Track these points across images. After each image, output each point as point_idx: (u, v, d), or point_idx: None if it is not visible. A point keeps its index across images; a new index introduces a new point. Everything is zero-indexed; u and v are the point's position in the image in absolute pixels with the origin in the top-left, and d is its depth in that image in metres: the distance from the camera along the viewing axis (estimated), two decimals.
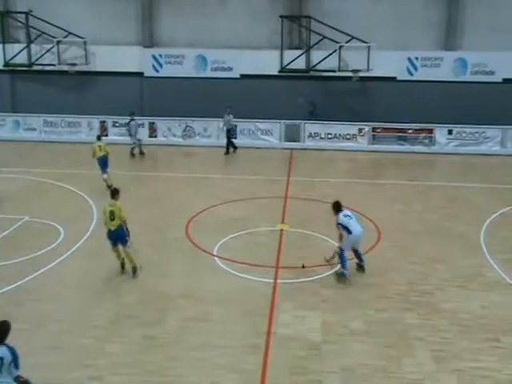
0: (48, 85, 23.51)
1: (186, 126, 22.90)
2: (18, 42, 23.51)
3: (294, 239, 13.12)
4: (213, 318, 9.59)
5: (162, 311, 9.82)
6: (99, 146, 16.47)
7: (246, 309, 9.87)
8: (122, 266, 11.35)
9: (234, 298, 10.27)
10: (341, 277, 10.95)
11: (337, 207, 10.78)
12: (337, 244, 11.04)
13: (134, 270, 11.18)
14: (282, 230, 13.55)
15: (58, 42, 22.68)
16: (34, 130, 23.12)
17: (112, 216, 10.86)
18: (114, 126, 23.03)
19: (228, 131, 21.53)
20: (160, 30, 23.31)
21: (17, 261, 11.77)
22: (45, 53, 23.01)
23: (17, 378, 6.83)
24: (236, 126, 22.14)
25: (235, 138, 22.17)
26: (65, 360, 8.43)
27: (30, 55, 23.26)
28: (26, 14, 22.93)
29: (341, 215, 10.65)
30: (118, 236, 10.95)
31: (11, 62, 23.27)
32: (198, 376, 8.02)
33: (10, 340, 8.75)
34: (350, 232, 10.54)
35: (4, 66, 23.28)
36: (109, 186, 15.23)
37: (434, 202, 16.14)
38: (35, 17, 22.90)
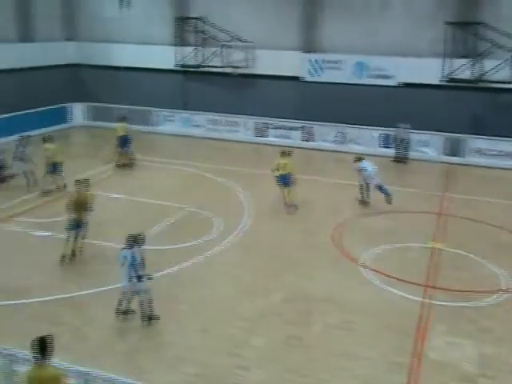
0: (213, 85, 25.16)
1: (339, 132, 22.97)
2: (190, 44, 25.49)
3: (447, 259, 12.51)
4: (356, 328, 9.60)
5: (307, 313, 10.08)
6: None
7: (390, 323, 9.71)
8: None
9: (378, 311, 10.16)
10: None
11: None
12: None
13: None
14: (434, 248, 13.01)
15: (224, 46, 24.14)
16: (200, 126, 25.00)
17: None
18: (271, 127, 23.92)
19: (401, 141, 21.37)
20: (320, 36, 23.60)
21: (179, 246, 12.92)
22: (212, 56, 24.63)
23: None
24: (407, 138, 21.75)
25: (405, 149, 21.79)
26: (213, 345, 9.09)
27: (200, 57, 25.08)
28: (199, 19, 24.78)
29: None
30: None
31: (183, 63, 25.33)
32: (337, 383, 8.12)
33: (173, 318, 9.72)
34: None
35: (177, 66, 25.38)
36: None
37: None
38: (207, 22, 24.65)
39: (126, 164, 19.34)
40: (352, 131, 22.76)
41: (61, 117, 25.37)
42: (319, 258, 12.52)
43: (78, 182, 12.45)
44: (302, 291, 10.90)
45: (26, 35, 24.50)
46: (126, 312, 9.81)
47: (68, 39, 26.82)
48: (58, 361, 7.03)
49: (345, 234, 13.80)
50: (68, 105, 25.93)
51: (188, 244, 13.06)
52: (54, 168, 16.33)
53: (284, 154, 15.56)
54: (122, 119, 19.93)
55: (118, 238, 13.03)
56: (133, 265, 9.45)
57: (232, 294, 10.81)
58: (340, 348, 8.96)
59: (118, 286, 9.91)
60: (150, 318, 9.66)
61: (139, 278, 9.45)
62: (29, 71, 24.06)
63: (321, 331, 9.47)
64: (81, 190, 12.26)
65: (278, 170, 15.21)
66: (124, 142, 19.39)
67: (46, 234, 13.40)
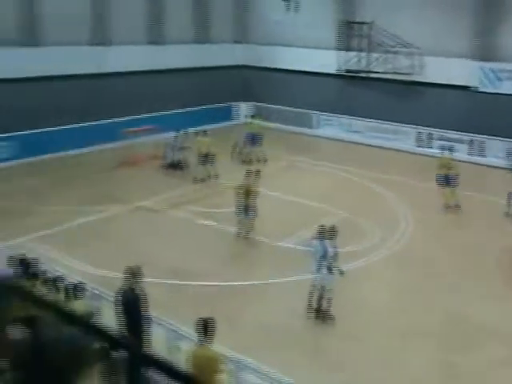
0: (377, 92, 24.60)
1: None
2: (356, 49, 25.18)
3: None
4: None
5: (467, 341, 9.41)
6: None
7: None
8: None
9: None
10: None
11: None
12: None
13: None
14: None
15: (391, 52, 23.43)
16: (360, 132, 24.64)
17: None
18: (435, 138, 22.70)
19: None
20: (496, 43, 21.77)
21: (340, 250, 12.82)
22: (378, 61, 24.07)
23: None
24: None
25: None
26: (366, 355, 8.85)
27: (363, 63, 24.69)
28: (367, 24, 24.37)
29: None
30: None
31: (347, 67, 25.12)
32: None
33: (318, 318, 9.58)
34: None
35: (340, 71, 25.26)
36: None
37: None
38: (373, 27, 24.15)
39: (247, 161, 19.67)
40: None
41: (227, 115, 26.85)
42: (483, 282, 11.55)
43: (249, 172, 13.70)
44: (462, 316, 10.16)
45: (200, 37, 26.32)
46: (318, 310, 9.91)
47: (236, 42, 28.25)
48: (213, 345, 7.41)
49: None
50: (234, 104, 27.32)
51: (340, 250, 12.88)
52: (205, 159, 17.79)
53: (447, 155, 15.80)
54: (257, 116, 20.61)
55: (272, 234, 13.49)
56: (324, 256, 9.57)
57: (386, 307, 10.46)
58: None
59: (274, 280, 10.16)
60: (325, 317, 9.70)
61: (330, 269, 9.51)
62: (201, 71, 25.87)
63: (483, 364, 8.70)
64: (251, 180, 13.52)
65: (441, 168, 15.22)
66: (253, 139, 20.02)
67: (208, 223, 14.22)
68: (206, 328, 6.69)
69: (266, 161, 19.80)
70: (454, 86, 22.43)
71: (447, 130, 22.30)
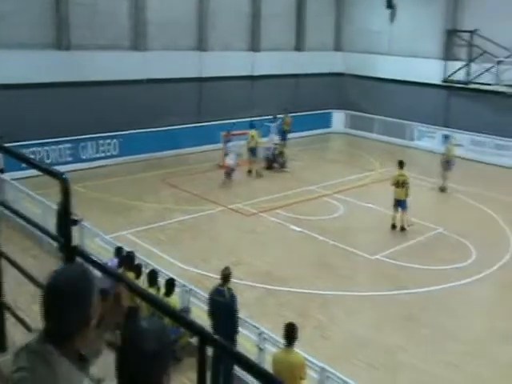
0: (481, 104, 23.30)
1: None
2: (459, 59, 24.03)
3: None
4: None
5: None
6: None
7: None
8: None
9: None
10: None
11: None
12: None
13: None
14: None
15: (499, 62, 22.06)
16: (461, 146, 23.40)
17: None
18: None
19: None
20: None
21: (425, 267, 12.29)
22: (483, 72, 22.80)
23: None
24: None
25: None
26: (459, 381, 8.36)
27: (468, 73, 23.49)
28: (471, 32, 23.15)
29: None
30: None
31: (450, 78, 24.03)
32: None
33: (413, 339, 9.30)
34: None
35: (443, 81, 24.24)
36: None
37: None
38: (479, 36, 22.89)
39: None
40: None
41: (324, 122, 26.70)
42: None
43: (400, 162, 14.83)
44: None
45: (300, 44, 26.41)
46: None
47: (336, 49, 28.03)
48: (299, 351, 7.35)
49: None
50: (331, 111, 27.12)
51: (436, 267, 12.33)
52: (252, 152, 19.21)
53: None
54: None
55: (368, 247, 13.18)
56: None
57: (484, 333, 9.82)
58: None
59: (365, 293, 9.88)
60: None
61: None
62: (301, 77, 25.97)
63: None
64: (400, 171, 14.65)
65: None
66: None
67: (299, 229, 14.18)
68: (291, 333, 6.68)
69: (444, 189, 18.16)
70: None
71: None
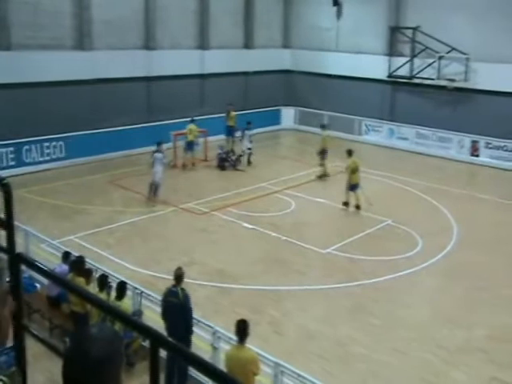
0: (424, 98, 24.10)
1: None
2: (402, 55, 24.75)
3: None
4: None
5: None
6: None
7: None
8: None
9: None
10: None
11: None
12: None
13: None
14: None
15: (440, 58, 22.89)
16: (406, 139, 24.18)
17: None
18: (486, 147, 22.03)
19: None
20: None
21: (375, 258, 12.65)
22: (426, 67, 23.58)
23: None
24: None
25: None
26: (408, 368, 8.67)
27: (411, 69, 24.24)
28: (414, 29, 23.91)
29: None
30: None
31: (394, 73, 24.71)
32: None
33: (364, 330, 9.56)
34: None
35: (388, 77, 24.91)
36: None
37: None
38: (422, 32, 23.67)
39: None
40: None
41: (273, 119, 26.92)
42: None
43: (349, 151, 16.00)
44: (511, 331, 9.75)
45: (249, 42, 26.50)
46: None
47: (285, 46, 28.31)
48: (253, 347, 7.46)
49: None
50: (280, 108, 27.37)
51: (385, 258, 12.71)
52: (189, 146, 19.48)
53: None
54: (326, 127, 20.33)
55: (318, 241, 13.43)
56: None
57: (430, 320, 10.21)
58: None
59: (317, 287, 10.08)
60: None
61: None
62: (250, 75, 26.10)
63: None
64: (352, 159, 15.74)
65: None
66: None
67: (251, 226, 14.28)
68: (242, 329, 6.77)
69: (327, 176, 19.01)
70: (507, 92, 21.67)
71: (497, 138, 21.57)
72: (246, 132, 20.40)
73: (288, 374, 7.42)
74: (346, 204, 15.77)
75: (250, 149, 20.29)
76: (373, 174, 19.46)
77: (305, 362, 8.53)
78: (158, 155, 15.96)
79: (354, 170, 15.74)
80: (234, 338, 7.60)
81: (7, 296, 1.95)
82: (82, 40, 20.35)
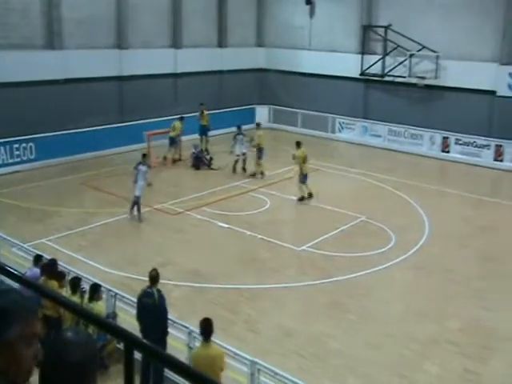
0: (396, 95, 24.43)
1: None
2: (375, 53, 25.04)
3: None
4: None
5: (488, 349, 9.22)
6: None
7: None
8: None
9: None
10: None
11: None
12: None
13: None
14: None
15: (411, 56, 23.24)
16: (379, 136, 24.47)
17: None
18: (456, 143, 22.45)
19: None
20: None
21: (349, 255, 12.79)
22: (397, 65, 23.90)
23: None
24: None
25: None
26: (382, 362, 8.79)
27: (383, 66, 24.55)
28: (386, 27, 24.21)
29: None
30: None
31: (367, 71, 24.99)
32: None
33: (339, 325, 9.65)
34: None
35: (360, 75, 25.18)
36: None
37: None
38: (393, 30, 23.98)
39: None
40: None
41: (248, 117, 26.87)
42: (506, 291, 11.33)
43: (298, 143, 16.76)
44: (482, 323, 9.99)
45: (222, 41, 26.44)
46: None
47: (259, 45, 28.33)
48: (228, 346, 7.49)
49: None
50: (254, 106, 27.39)
51: (359, 254, 12.86)
52: (171, 141, 19.68)
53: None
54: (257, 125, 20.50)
55: (293, 239, 13.50)
56: None
57: (403, 313, 10.36)
58: None
59: (292, 284, 10.14)
60: None
61: None
62: (224, 74, 26.06)
63: (504, 373, 8.55)
64: (301, 149, 16.48)
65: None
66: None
67: (227, 226, 14.27)
68: (207, 328, 6.81)
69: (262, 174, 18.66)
70: (478, 90, 22.12)
71: (471, 135, 22.02)
72: (238, 137, 19.03)
73: (264, 372, 7.45)
74: (302, 198, 16.28)
75: (244, 154, 18.84)
76: (346, 171, 19.70)
77: (281, 359, 8.57)
78: (143, 168, 14.60)
79: (304, 160, 16.47)
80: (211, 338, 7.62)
81: (35, 338, 1.94)
82: (53, 39, 20.01)
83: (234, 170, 18.89)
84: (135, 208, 14.40)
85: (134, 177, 14.55)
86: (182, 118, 20.40)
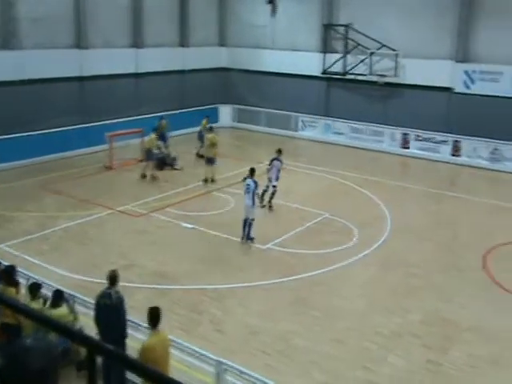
0: (357, 93, 24.81)
1: (495, 149, 21.28)
2: (336, 52, 25.36)
3: None
4: (503, 363, 8.78)
5: (448, 340, 9.49)
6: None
7: None
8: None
9: None
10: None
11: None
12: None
13: None
14: None
15: (371, 54, 23.62)
16: (342, 134, 24.79)
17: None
18: (416, 139, 22.96)
19: None
20: (476, 45, 22.05)
21: (314, 252, 12.92)
22: (358, 63, 24.26)
23: None
24: None
25: None
26: (347, 356, 8.93)
27: (345, 65, 24.88)
28: (346, 26, 24.55)
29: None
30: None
31: (329, 70, 25.28)
32: None
33: (305, 322, 9.74)
34: None
35: (322, 73, 25.45)
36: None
37: None
38: (354, 29, 24.34)
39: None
40: (508, 148, 20.97)
41: (211, 117, 26.71)
42: (464, 283, 11.69)
43: (211, 128, 18.48)
44: (442, 315, 10.28)
45: (184, 40, 26.27)
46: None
47: (221, 44, 28.27)
48: (196, 348, 7.47)
49: (496, 259, 12.71)
50: (217, 106, 27.31)
51: (323, 251, 13.01)
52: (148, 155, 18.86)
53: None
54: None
55: (256, 238, 13.53)
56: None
57: (366, 308, 10.54)
58: (484, 381, 8.26)
59: (258, 283, 10.14)
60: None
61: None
62: (187, 73, 25.90)
63: (465, 362, 8.81)
64: (212, 134, 18.00)
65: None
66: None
67: (191, 226, 14.21)
68: (155, 315, 6.86)
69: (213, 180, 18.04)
70: (435, 87, 22.66)
71: (429, 131, 22.56)
72: (275, 162, 15.70)
73: (231, 372, 7.46)
74: (205, 181, 17.50)
75: (274, 186, 15.57)
76: (310, 168, 19.89)
77: (247, 358, 8.60)
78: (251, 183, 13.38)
79: (213, 144, 17.80)
80: (175, 339, 7.59)
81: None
82: (8, 39, 19.47)
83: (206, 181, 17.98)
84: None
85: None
86: (162, 117, 20.85)
